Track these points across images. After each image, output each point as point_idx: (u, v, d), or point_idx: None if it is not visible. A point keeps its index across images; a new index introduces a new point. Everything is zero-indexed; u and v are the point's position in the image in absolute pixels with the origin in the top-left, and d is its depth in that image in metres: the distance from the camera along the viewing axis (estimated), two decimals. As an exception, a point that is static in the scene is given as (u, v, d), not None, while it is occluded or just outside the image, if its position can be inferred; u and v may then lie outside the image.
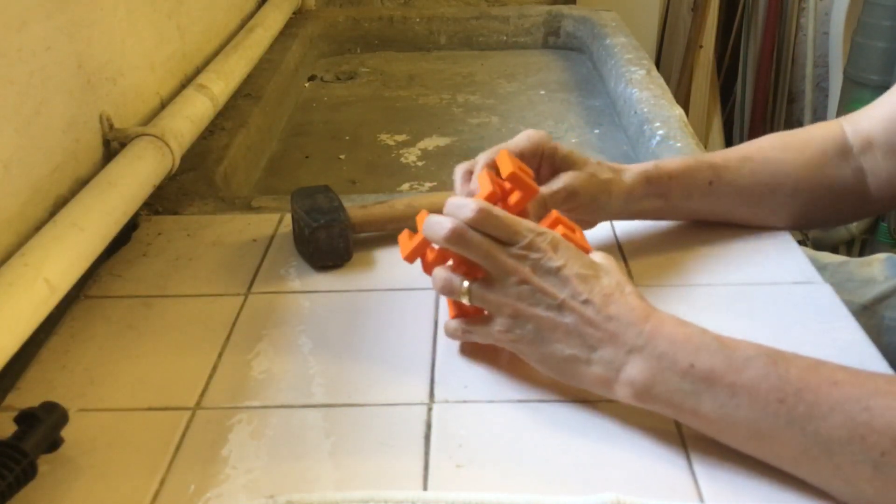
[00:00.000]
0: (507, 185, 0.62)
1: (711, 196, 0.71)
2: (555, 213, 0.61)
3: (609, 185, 0.68)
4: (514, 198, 0.62)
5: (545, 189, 0.66)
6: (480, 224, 0.55)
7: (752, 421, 0.49)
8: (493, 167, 0.64)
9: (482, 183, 0.62)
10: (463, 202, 0.56)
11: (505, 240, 0.55)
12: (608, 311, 0.53)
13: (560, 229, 0.60)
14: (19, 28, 0.67)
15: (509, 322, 0.56)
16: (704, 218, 0.74)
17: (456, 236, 0.55)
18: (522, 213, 0.62)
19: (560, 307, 0.54)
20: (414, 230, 0.63)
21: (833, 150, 0.72)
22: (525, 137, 0.67)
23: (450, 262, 0.59)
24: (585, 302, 0.54)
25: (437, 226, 0.56)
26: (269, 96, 1.17)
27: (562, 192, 0.66)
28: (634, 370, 0.52)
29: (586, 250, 0.59)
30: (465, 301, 0.57)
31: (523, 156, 0.66)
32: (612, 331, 0.53)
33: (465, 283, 0.57)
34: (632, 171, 0.70)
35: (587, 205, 0.68)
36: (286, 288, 0.71)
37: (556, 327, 0.54)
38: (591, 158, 0.69)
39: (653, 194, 0.70)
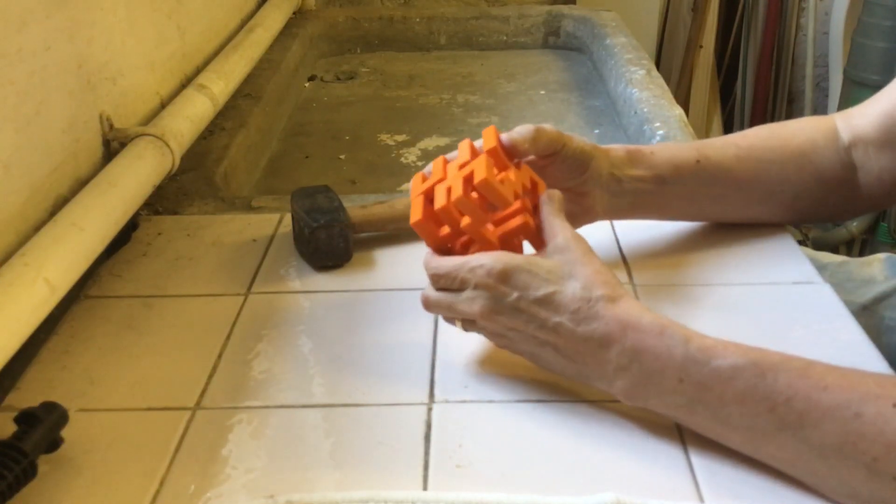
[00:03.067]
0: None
1: (702, 177, 0.69)
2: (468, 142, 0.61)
3: (587, 144, 0.66)
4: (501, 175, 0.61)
5: (531, 127, 0.63)
6: (432, 283, 0.58)
7: (744, 428, 0.49)
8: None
9: (461, 151, 0.61)
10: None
11: (456, 287, 0.56)
12: (580, 333, 0.53)
13: (483, 162, 0.57)
14: (19, 28, 0.67)
15: (506, 345, 0.57)
16: (701, 210, 0.72)
17: (425, 306, 0.59)
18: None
19: (535, 338, 0.54)
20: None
21: (822, 141, 0.71)
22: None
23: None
24: (555, 327, 0.53)
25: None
26: (269, 96, 1.17)
27: (531, 130, 0.62)
28: (625, 384, 0.52)
29: (535, 184, 0.60)
30: (458, 328, 0.59)
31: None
32: (591, 352, 0.53)
33: (458, 323, 0.59)
34: (608, 145, 0.69)
35: (574, 161, 0.65)
36: (286, 288, 0.71)
37: (542, 352, 0.55)
38: None
39: (637, 164, 0.68)
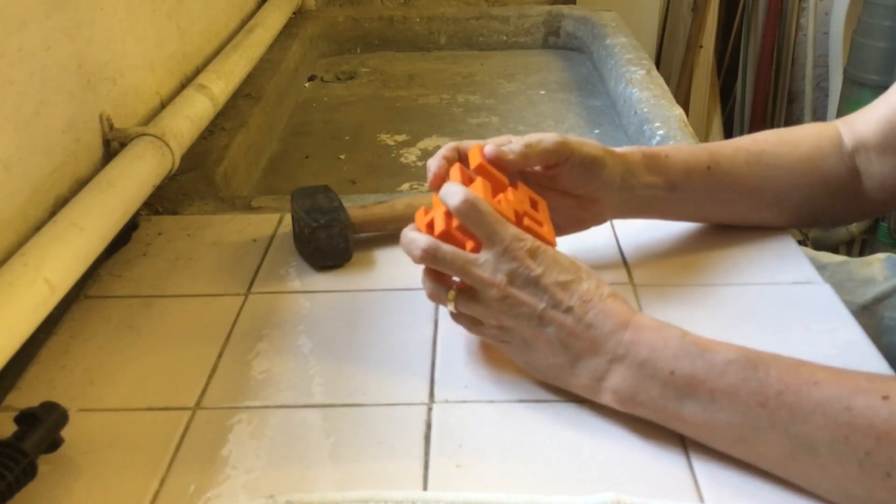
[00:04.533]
0: (476, 177, 0.61)
1: (712, 183, 0.69)
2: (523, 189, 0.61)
3: (599, 150, 0.65)
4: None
5: (530, 137, 0.63)
6: (464, 216, 0.55)
7: (734, 425, 0.49)
8: (464, 160, 0.63)
9: (451, 175, 0.61)
10: (454, 189, 0.56)
11: (483, 239, 0.55)
12: (587, 319, 0.54)
13: (479, 184, 0.58)
14: (19, 28, 0.67)
15: (497, 331, 0.57)
16: (707, 214, 0.73)
17: (428, 257, 0.57)
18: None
19: (540, 318, 0.54)
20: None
21: (828, 147, 0.72)
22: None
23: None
24: (566, 311, 0.54)
25: (412, 244, 0.58)
26: (269, 96, 1.17)
27: (549, 141, 0.62)
28: (617, 379, 0.53)
29: (536, 202, 0.60)
30: (451, 308, 0.58)
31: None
32: (592, 339, 0.53)
33: (451, 292, 0.58)
34: (623, 147, 0.68)
35: (583, 169, 0.64)
36: (286, 288, 0.71)
37: (539, 338, 0.55)
38: None
39: (653, 169, 0.68)
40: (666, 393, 0.51)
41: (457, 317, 0.59)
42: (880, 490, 0.45)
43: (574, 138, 0.65)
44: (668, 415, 0.52)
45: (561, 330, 0.54)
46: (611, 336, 0.53)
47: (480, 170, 0.61)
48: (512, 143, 0.62)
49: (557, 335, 0.54)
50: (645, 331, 0.53)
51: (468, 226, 0.56)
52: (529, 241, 0.55)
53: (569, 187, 0.65)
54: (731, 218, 0.73)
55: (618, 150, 0.68)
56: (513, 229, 0.55)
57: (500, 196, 0.60)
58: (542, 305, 0.54)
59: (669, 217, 0.73)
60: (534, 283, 0.54)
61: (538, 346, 0.55)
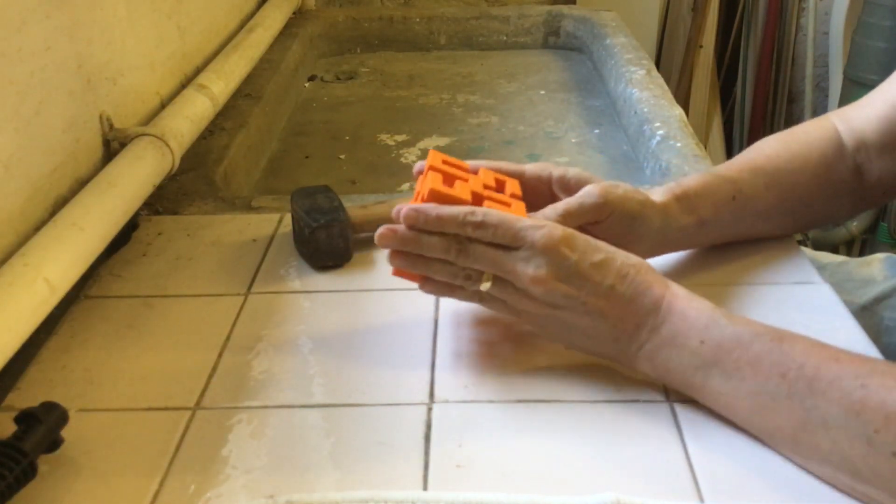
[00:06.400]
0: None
1: (737, 212, 0.69)
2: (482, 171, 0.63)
3: (639, 205, 0.64)
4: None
5: (569, 203, 0.62)
6: (477, 236, 0.55)
7: (755, 394, 0.51)
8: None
9: (418, 183, 0.63)
10: (455, 211, 0.56)
11: (507, 245, 0.55)
12: (628, 294, 0.55)
13: (428, 177, 0.59)
14: (19, 28, 0.67)
15: (536, 319, 0.57)
16: (730, 238, 0.71)
17: (458, 252, 0.56)
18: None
19: (584, 304, 0.55)
20: None
21: (833, 154, 0.72)
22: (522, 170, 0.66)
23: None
24: (607, 291, 0.55)
25: (450, 214, 0.56)
26: (269, 96, 1.17)
27: (589, 205, 0.62)
28: (652, 347, 0.55)
29: (502, 182, 0.61)
30: (484, 288, 0.57)
31: (526, 189, 0.65)
32: (633, 314, 0.55)
33: (487, 273, 0.57)
34: (656, 190, 0.67)
35: (622, 225, 0.63)
36: (286, 288, 0.71)
37: (581, 321, 0.56)
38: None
39: (685, 211, 0.67)
40: (695, 361, 0.53)
41: (485, 299, 0.59)
42: (885, 468, 0.46)
43: (615, 192, 0.63)
44: (695, 383, 0.53)
45: (604, 311, 0.55)
46: (652, 309, 0.55)
47: (431, 169, 0.62)
48: (547, 210, 0.62)
49: (601, 316, 0.55)
50: (679, 301, 0.55)
51: (487, 241, 0.55)
52: (558, 229, 0.55)
53: (606, 238, 0.63)
54: (750, 237, 0.72)
55: (653, 196, 0.66)
56: (528, 221, 0.55)
57: (457, 182, 0.60)
58: (583, 293, 0.55)
59: (694, 247, 0.72)
60: (574, 272, 0.55)
61: (580, 328, 0.56)
